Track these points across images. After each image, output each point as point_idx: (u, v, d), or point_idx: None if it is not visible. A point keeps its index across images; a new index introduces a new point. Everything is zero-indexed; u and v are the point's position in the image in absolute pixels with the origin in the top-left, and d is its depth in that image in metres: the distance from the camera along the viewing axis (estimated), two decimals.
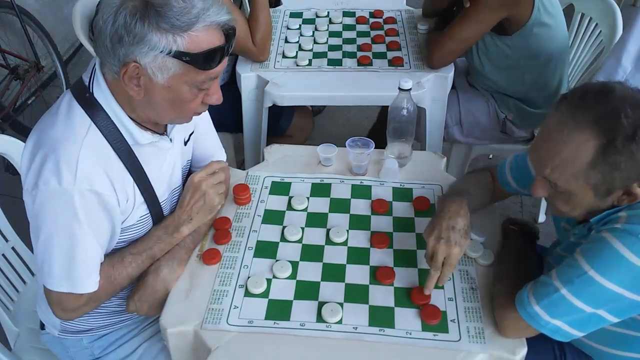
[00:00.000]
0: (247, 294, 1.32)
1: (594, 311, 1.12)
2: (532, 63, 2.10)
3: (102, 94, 1.21)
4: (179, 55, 1.11)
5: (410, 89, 1.60)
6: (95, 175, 1.18)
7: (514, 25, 2.02)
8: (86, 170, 1.16)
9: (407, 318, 1.26)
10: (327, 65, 2.16)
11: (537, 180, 1.21)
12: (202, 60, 1.14)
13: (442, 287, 1.32)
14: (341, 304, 1.29)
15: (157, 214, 1.36)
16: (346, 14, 2.47)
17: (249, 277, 1.34)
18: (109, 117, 1.21)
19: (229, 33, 1.17)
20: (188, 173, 1.53)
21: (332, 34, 2.35)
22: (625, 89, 1.09)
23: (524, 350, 1.20)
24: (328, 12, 2.47)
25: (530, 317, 1.16)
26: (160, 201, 1.36)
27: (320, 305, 1.28)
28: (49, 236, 1.19)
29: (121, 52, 1.11)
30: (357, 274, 1.36)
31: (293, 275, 1.36)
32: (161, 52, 1.10)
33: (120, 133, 1.23)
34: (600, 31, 2.22)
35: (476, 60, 2.19)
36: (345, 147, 1.63)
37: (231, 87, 2.22)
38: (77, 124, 1.19)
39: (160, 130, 1.33)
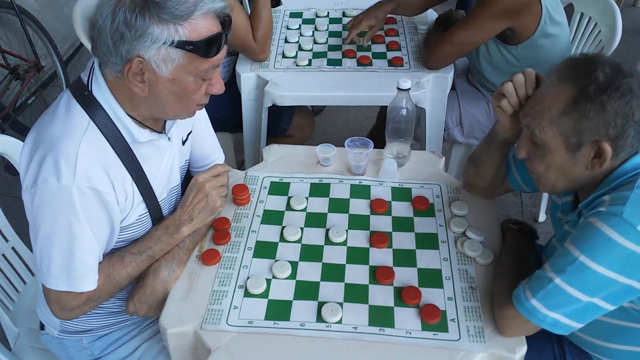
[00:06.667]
0: (247, 294, 1.32)
1: (590, 300, 1.13)
2: (535, 70, 2.08)
3: (101, 92, 1.21)
4: (182, 45, 1.13)
5: (409, 89, 1.60)
6: (95, 173, 1.18)
7: (518, 36, 1.99)
8: (85, 167, 1.16)
9: (406, 318, 1.26)
10: (327, 65, 2.16)
11: (521, 139, 1.28)
12: (204, 47, 1.15)
13: (442, 287, 1.32)
14: (341, 304, 1.29)
15: (155, 213, 1.37)
16: (346, 14, 2.47)
17: (248, 278, 1.34)
18: (108, 115, 1.22)
19: (224, 20, 1.19)
20: (186, 173, 1.53)
21: (332, 34, 2.34)
22: (610, 58, 1.17)
23: (523, 349, 1.20)
24: (328, 12, 2.47)
25: (528, 312, 1.16)
26: (158, 200, 1.36)
27: (320, 305, 1.28)
28: (48, 234, 1.19)
29: (123, 48, 1.12)
30: (357, 274, 1.36)
31: (292, 276, 1.36)
32: (164, 43, 1.12)
33: (119, 131, 1.23)
34: (600, 31, 2.22)
35: (477, 63, 2.17)
36: (344, 147, 1.63)
37: (231, 86, 2.22)
38: (76, 122, 1.19)
39: (159, 128, 1.33)
